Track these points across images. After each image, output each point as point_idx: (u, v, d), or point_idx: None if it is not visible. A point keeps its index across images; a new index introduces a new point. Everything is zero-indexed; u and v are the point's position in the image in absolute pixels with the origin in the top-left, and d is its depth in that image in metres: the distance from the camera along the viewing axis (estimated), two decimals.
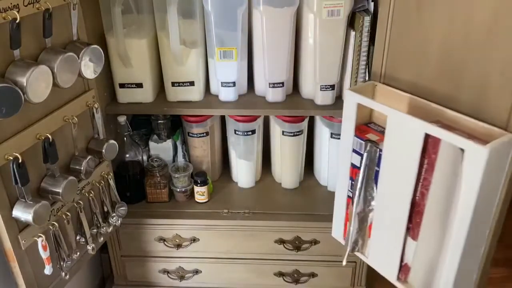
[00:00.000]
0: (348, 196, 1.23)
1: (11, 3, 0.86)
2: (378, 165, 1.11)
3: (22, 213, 0.98)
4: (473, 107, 1.01)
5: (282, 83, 1.38)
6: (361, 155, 1.14)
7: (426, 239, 1.07)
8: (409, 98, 1.13)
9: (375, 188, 1.14)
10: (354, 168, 1.18)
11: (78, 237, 1.21)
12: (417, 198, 1.05)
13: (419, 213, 1.06)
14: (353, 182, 1.19)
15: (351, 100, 1.11)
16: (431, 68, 1.09)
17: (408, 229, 1.09)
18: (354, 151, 1.17)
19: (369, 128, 1.20)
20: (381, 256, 1.18)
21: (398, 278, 1.16)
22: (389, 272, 1.17)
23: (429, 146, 0.99)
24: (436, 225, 1.04)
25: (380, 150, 1.10)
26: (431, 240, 1.05)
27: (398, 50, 1.15)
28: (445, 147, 0.97)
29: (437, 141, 0.98)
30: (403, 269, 1.15)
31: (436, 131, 0.95)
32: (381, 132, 1.18)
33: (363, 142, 1.13)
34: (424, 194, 1.04)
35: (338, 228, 1.31)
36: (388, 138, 1.05)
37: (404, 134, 1.01)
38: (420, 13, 1.07)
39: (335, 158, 1.54)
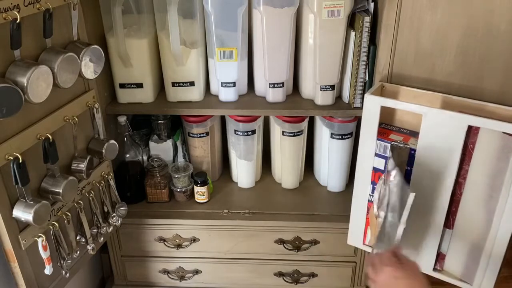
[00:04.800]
0: (369, 201, 1.24)
1: (11, 3, 0.86)
2: (408, 164, 1.13)
3: (23, 213, 0.98)
4: (497, 95, 1.08)
5: (282, 83, 1.38)
6: (386, 158, 1.15)
7: (464, 225, 1.11)
8: (426, 94, 1.15)
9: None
10: (377, 171, 1.19)
11: (78, 237, 1.21)
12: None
13: (455, 202, 1.10)
14: (375, 186, 1.19)
15: (375, 104, 1.11)
16: (448, 63, 1.13)
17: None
18: (377, 154, 1.17)
19: (386, 130, 1.21)
20: (415, 251, 1.20)
21: (435, 269, 1.18)
22: (425, 265, 1.20)
23: (467, 137, 1.02)
24: (476, 211, 1.08)
25: (412, 150, 1.10)
26: (470, 226, 1.09)
27: (408, 50, 1.17)
28: (486, 136, 0.99)
29: (475, 131, 1.00)
30: (439, 259, 1.18)
31: (482, 122, 0.98)
32: (399, 131, 1.20)
33: (389, 145, 1.13)
34: (462, 184, 1.08)
35: (356, 234, 1.30)
36: (425, 135, 1.07)
37: (442, 129, 1.03)
38: (435, 12, 1.10)
39: (335, 158, 1.54)
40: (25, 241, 1.02)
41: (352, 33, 1.29)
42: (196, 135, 1.55)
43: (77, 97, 1.13)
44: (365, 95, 1.13)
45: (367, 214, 1.26)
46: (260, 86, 1.44)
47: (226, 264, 1.58)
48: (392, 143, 1.13)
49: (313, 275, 1.58)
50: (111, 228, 1.33)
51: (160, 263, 1.60)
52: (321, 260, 1.55)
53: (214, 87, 1.46)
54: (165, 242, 1.54)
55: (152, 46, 1.38)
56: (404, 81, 1.20)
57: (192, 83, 1.40)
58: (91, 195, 1.22)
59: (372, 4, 1.26)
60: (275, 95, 1.40)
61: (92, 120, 1.20)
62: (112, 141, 1.23)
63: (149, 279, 1.64)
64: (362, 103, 1.32)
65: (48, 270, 1.09)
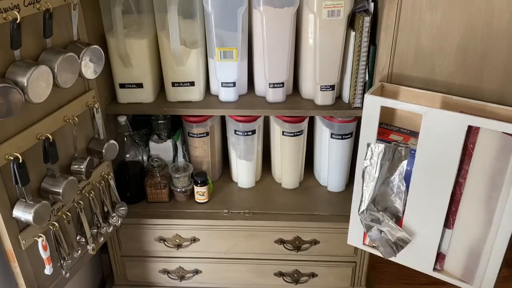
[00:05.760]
0: None
1: (11, 3, 0.86)
2: (408, 164, 1.13)
3: (23, 213, 0.98)
4: (497, 95, 1.08)
5: (282, 83, 1.38)
6: None
7: (464, 225, 1.11)
8: (426, 94, 1.15)
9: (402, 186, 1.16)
10: None
11: (78, 237, 1.21)
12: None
13: (455, 202, 1.11)
14: None
15: (375, 104, 1.11)
16: (448, 63, 1.14)
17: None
18: None
19: (386, 130, 1.21)
20: (414, 251, 1.20)
21: (435, 269, 1.18)
22: (425, 265, 1.20)
23: (467, 137, 1.03)
24: (476, 211, 1.08)
25: (412, 150, 1.11)
26: (470, 226, 1.09)
27: (408, 50, 1.17)
28: (486, 136, 1.00)
29: (475, 131, 1.00)
30: (439, 259, 1.19)
31: (482, 122, 0.98)
32: (399, 131, 1.20)
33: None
34: (461, 184, 1.09)
35: (356, 234, 1.31)
36: (425, 135, 1.07)
37: (442, 129, 1.04)
38: (435, 12, 1.10)
39: (335, 158, 1.54)
40: (25, 241, 1.02)
41: (352, 33, 1.29)
42: (196, 135, 1.55)
43: (77, 97, 1.13)
44: (365, 95, 1.13)
45: None
46: (260, 86, 1.44)
47: (226, 264, 1.58)
48: (392, 143, 1.13)
49: (313, 275, 1.58)
50: (111, 228, 1.33)
51: (160, 263, 1.60)
52: (321, 260, 1.55)
53: (214, 87, 1.46)
54: (165, 242, 1.54)
55: (152, 46, 1.38)
56: (404, 81, 1.21)
57: (192, 83, 1.40)
58: (91, 195, 1.22)
59: (372, 4, 1.26)
60: (275, 95, 1.40)
61: (92, 120, 1.20)
62: (112, 141, 1.23)
63: (149, 279, 1.64)
64: (362, 103, 1.32)
65: (48, 270, 1.09)
